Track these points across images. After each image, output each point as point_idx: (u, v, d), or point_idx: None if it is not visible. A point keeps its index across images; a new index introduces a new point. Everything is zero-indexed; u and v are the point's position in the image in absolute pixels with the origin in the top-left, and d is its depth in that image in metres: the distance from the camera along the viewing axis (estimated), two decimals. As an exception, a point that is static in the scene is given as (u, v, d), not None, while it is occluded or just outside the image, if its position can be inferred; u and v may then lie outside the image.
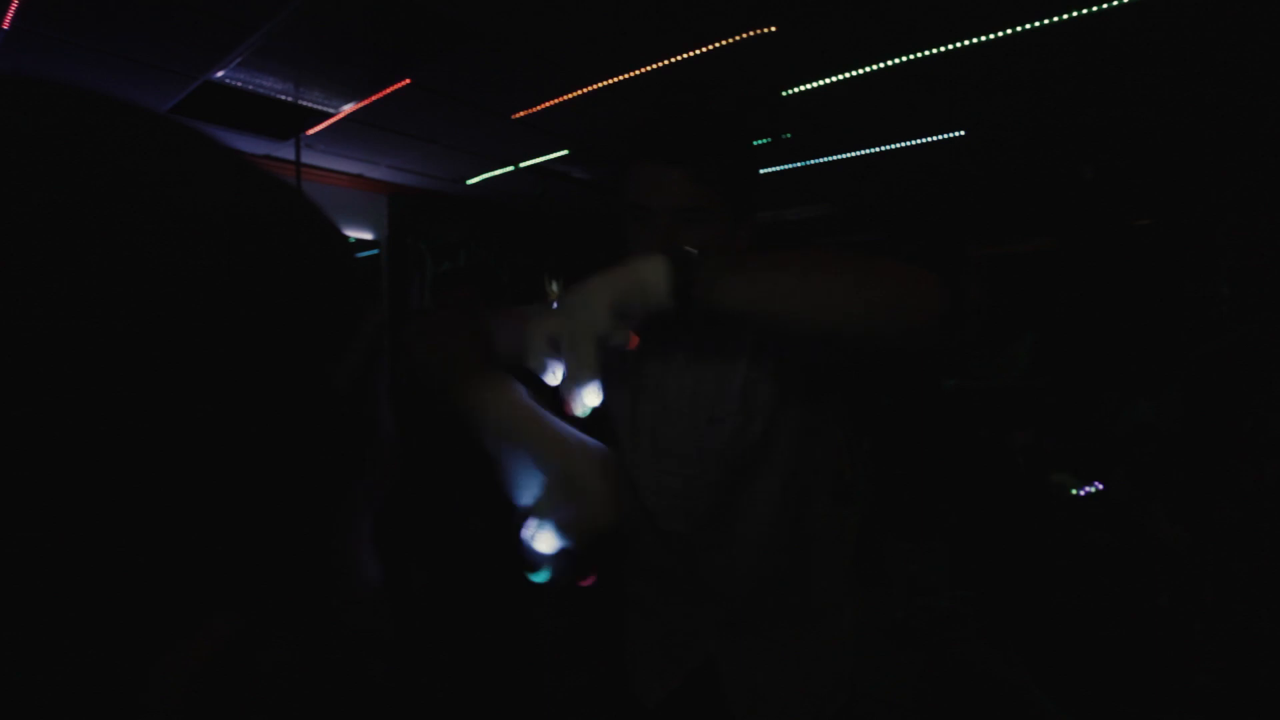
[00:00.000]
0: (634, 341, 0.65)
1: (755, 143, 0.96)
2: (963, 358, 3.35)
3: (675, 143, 0.85)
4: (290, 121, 3.67)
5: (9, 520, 0.15)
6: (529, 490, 0.52)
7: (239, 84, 3.22)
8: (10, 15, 2.50)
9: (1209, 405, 2.16)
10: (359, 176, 5.04)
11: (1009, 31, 2.68)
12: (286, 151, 4.03)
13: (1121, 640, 1.80)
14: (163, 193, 0.19)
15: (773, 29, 2.65)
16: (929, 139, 4.04)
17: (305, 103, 3.48)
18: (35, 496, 0.15)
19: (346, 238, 0.25)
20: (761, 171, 0.97)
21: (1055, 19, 2.58)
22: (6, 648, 0.16)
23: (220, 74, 3.09)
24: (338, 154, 4.44)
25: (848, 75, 3.11)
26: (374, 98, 3.40)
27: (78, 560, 0.16)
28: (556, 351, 0.62)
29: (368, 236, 5.41)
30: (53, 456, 0.15)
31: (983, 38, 2.74)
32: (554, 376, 0.62)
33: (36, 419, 0.15)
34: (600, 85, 3.23)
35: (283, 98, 3.40)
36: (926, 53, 2.88)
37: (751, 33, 2.68)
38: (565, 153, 4.34)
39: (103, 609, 0.17)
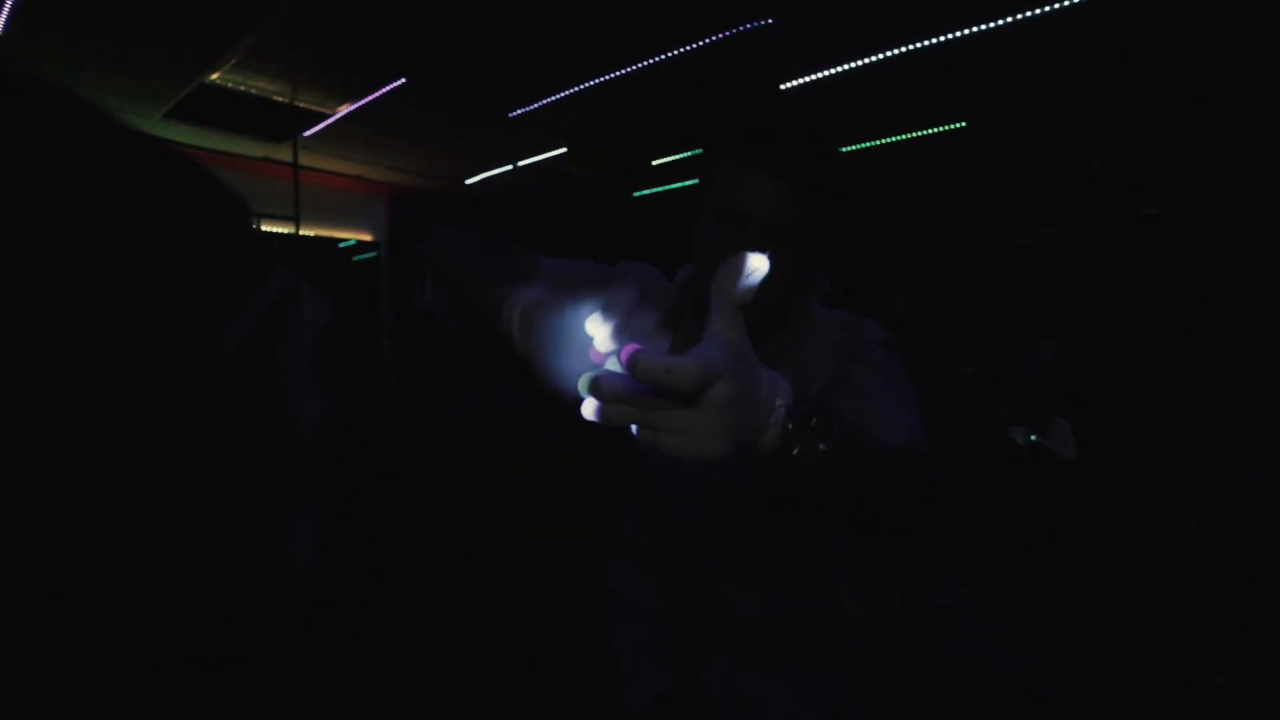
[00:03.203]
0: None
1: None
2: (979, 349, 3.34)
3: (784, 149, 0.77)
4: (287, 123, 3.66)
5: None
6: (573, 340, 0.49)
7: (235, 86, 3.21)
8: (4, 18, 2.49)
9: (1216, 398, 2.13)
10: (357, 178, 5.04)
11: (1012, 19, 2.65)
12: (284, 154, 4.03)
13: (1134, 635, 1.78)
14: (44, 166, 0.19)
15: (769, 21, 2.63)
16: (930, 131, 4.02)
17: (302, 104, 3.47)
18: None
19: (247, 210, 0.25)
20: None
21: (1059, 6, 2.55)
22: None
23: (216, 76, 3.08)
24: (335, 155, 4.44)
25: (846, 67, 3.09)
26: (370, 98, 3.38)
27: None
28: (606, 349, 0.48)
29: (367, 237, 5.40)
30: None
31: (985, 26, 2.71)
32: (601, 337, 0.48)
33: None
34: (597, 81, 3.21)
35: (279, 99, 3.39)
36: (926, 43, 2.85)
37: (748, 25, 2.66)
38: (564, 150, 4.33)
39: None
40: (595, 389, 0.43)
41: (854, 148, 4.30)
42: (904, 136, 4.11)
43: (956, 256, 5.51)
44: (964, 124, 3.88)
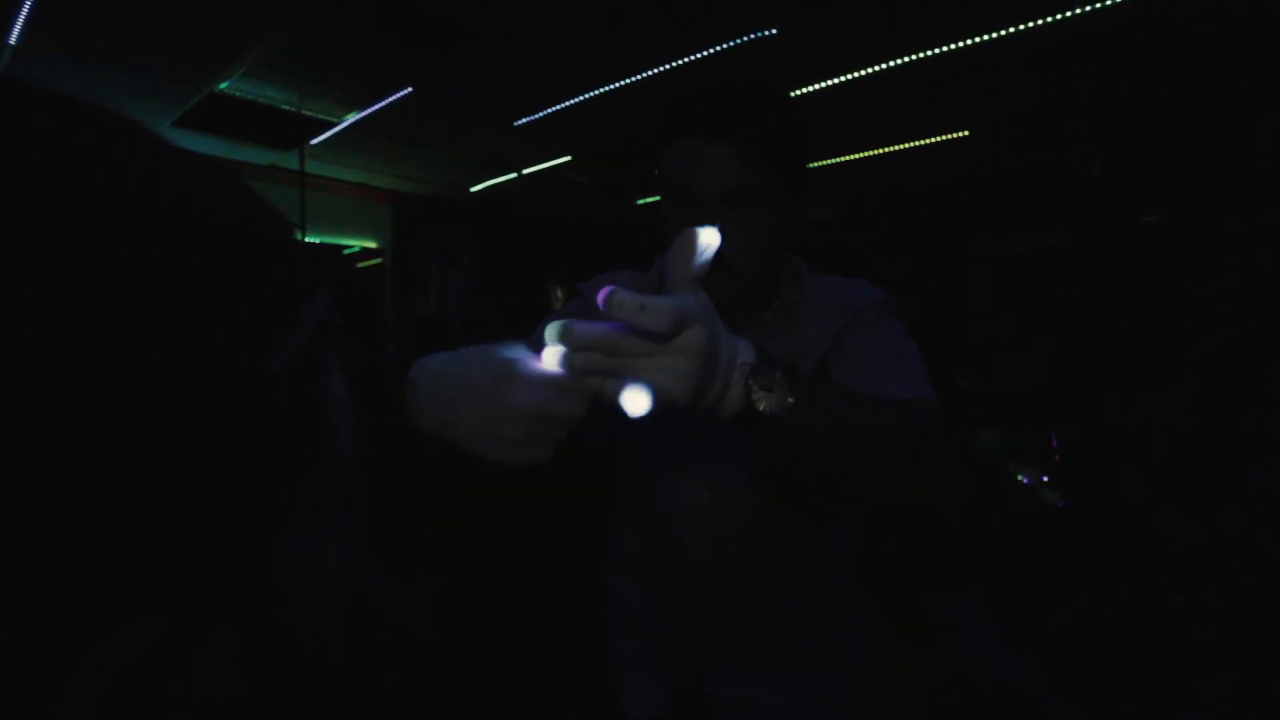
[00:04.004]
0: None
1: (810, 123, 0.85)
2: (976, 355, 3.34)
3: (721, 115, 0.74)
4: (294, 131, 3.69)
5: None
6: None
7: (243, 95, 3.24)
8: (18, 29, 2.52)
9: (1216, 402, 2.14)
10: (363, 185, 5.07)
11: (1012, 30, 2.68)
12: (291, 161, 4.06)
13: (1136, 641, 1.78)
14: (103, 187, 0.19)
15: (773, 31, 2.65)
16: (933, 139, 4.04)
17: (309, 112, 3.50)
18: None
19: (290, 225, 0.25)
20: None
21: (1059, 16, 2.57)
22: None
23: (225, 85, 3.11)
24: (342, 163, 4.47)
25: (849, 76, 3.11)
26: (377, 106, 3.42)
27: None
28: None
29: (372, 245, 5.43)
30: None
31: (986, 36, 2.74)
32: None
33: None
34: (602, 90, 3.24)
35: (286, 108, 3.42)
36: (929, 53, 2.88)
37: (753, 35, 2.69)
38: (568, 158, 4.35)
39: (15, 611, 0.16)
40: (566, 335, 0.44)
41: (855, 156, 4.32)
42: (907, 145, 4.13)
43: (957, 260, 5.52)
44: (967, 132, 3.91)
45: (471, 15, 2.53)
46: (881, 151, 4.24)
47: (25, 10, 2.40)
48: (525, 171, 4.66)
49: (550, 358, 0.46)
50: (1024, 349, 3.71)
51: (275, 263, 0.23)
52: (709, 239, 0.49)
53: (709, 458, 0.91)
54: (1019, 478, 2.12)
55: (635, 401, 0.44)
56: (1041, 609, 1.91)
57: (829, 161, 4.43)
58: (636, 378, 0.45)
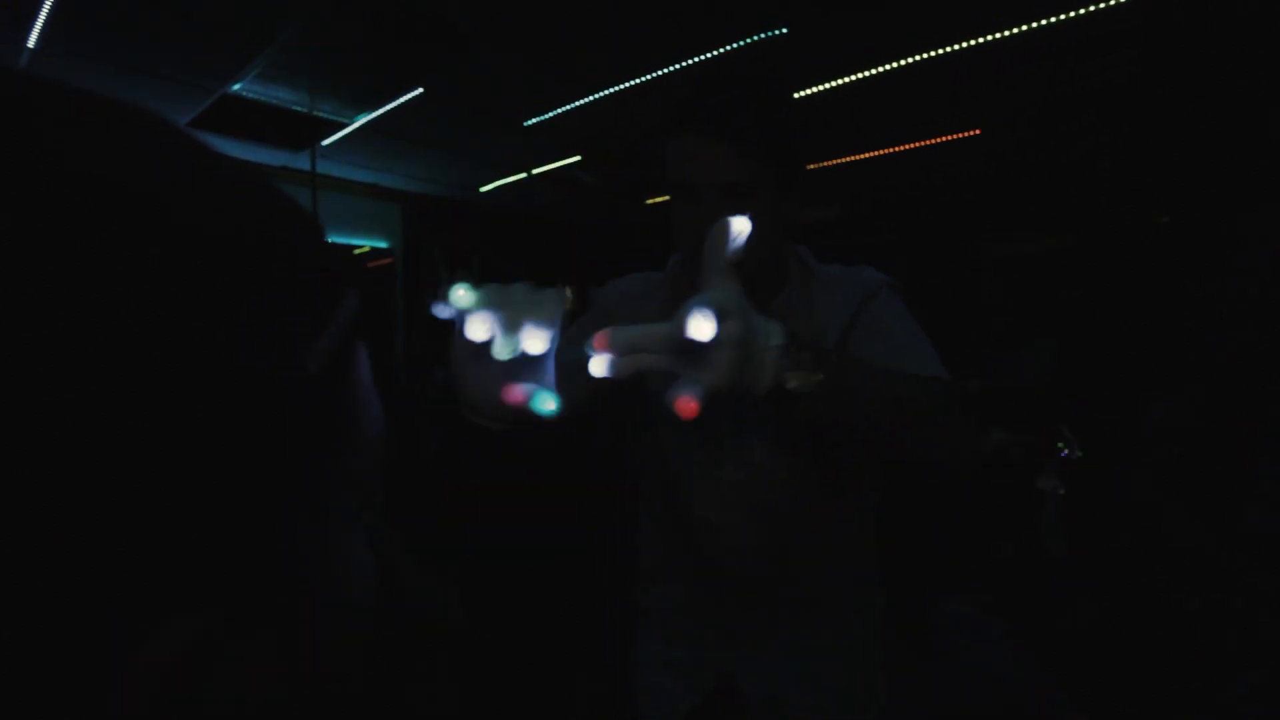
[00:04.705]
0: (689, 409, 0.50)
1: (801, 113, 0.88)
2: (983, 359, 3.33)
3: (715, 113, 0.77)
4: (306, 132, 3.72)
5: None
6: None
7: (256, 96, 3.27)
8: (36, 33, 2.56)
9: (1230, 405, 2.11)
10: (373, 185, 5.10)
11: (1022, 29, 2.66)
12: (302, 162, 4.09)
13: (1147, 645, 1.77)
14: (135, 185, 0.19)
15: (784, 31, 2.65)
16: (942, 139, 4.02)
17: (320, 114, 3.52)
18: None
19: (320, 226, 0.26)
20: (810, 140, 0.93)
21: (1069, 15, 2.55)
22: None
23: (238, 87, 3.14)
24: (352, 163, 4.50)
25: (859, 76, 3.10)
26: (388, 107, 3.43)
27: (36, 561, 0.16)
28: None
29: (382, 245, 5.46)
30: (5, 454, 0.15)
31: (995, 35, 2.72)
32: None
33: None
34: (612, 91, 3.24)
35: (298, 109, 3.45)
36: (939, 52, 2.86)
37: (762, 35, 2.68)
38: (578, 158, 4.36)
39: (67, 608, 0.16)
40: (613, 341, 0.47)
41: (865, 156, 4.30)
42: (917, 145, 4.11)
43: (967, 260, 5.48)
44: (978, 131, 3.88)
45: (483, 16, 2.54)
46: (892, 151, 4.22)
47: (44, 14, 2.44)
48: (535, 172, 4.67)
49: (598, 365, 0.48)
50: (1033, 350, 3.68)
51: (311, 263, 0.23)
52: (741, 225, 0.52)
53: (737, 436, 0.92)
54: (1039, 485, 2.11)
55: (687, 407, 0.47)
56: (1050, 613, 1.89)
57: (839, 161, 4.41)
58: (683, 376, 0.49)
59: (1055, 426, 2.03)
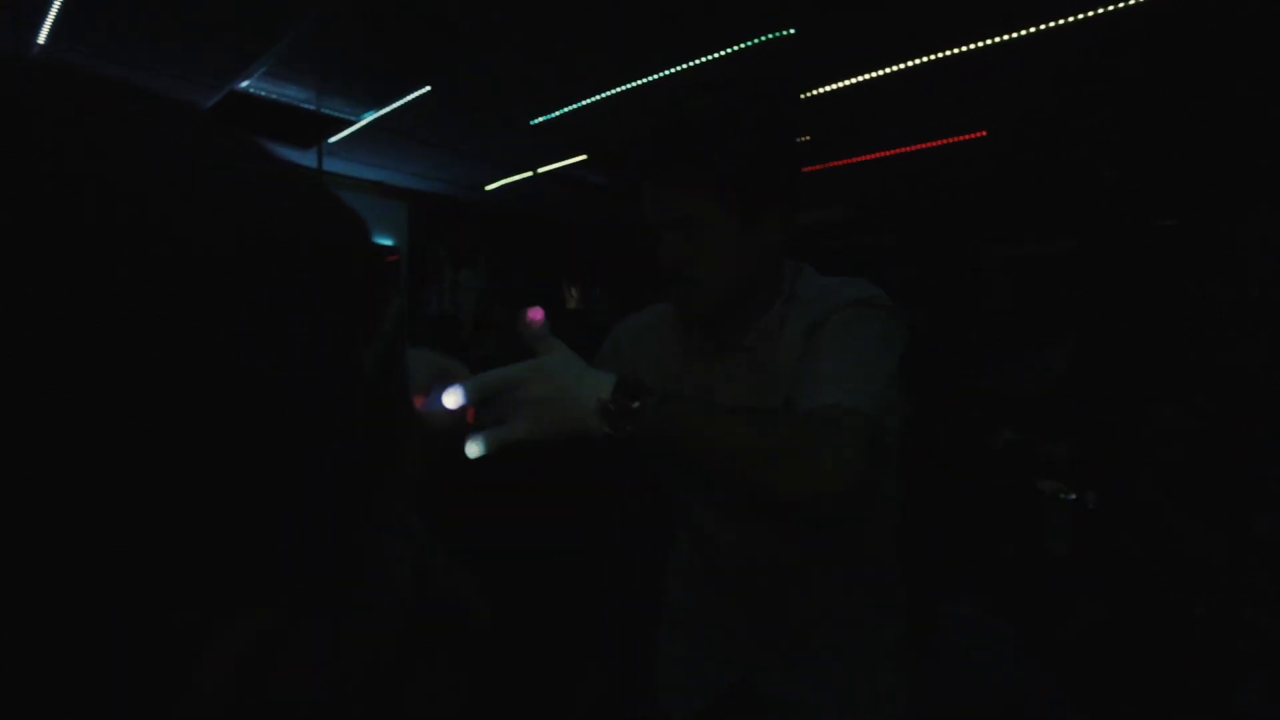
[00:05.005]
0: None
1: (771, 140, 0.90)
2: (993, 361, 3.32)
3: (660, 159, 0.85)
4: (313, 130, 3.73)
5: (40, 517, 0.15)
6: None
7: (263, 94, 3.28)
8: (45, 30, 2.57)
9: (1237, 408, 2.11)
10: (380, 184, 5.11)
11: (1028, 31, 2.65)
12: (309, 159, 4.10)
13: (1153, 650, 1.76)
14: (190, 186, 0.19)
15: (791, 31, 2.65)
16: (948, 140, 4.01)
17: (327, 111, 3.53)
18: (69, 489, 0.15)
19: (367, 225, 0.26)
20: (790, 170, 0.92)
21: (1075, 18, 2.54)
22: (52, 644, 0.15)
23: (245, 84, 3.15)
24: (359, 161, 4.51)
25: (866, 77, 3.10)
26: (394, 105, 3.44)
27: (131, 550, 0.16)
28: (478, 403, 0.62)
29: (388, 243, 5.47)
30: (87, 449, 0.15)
31: (1002, 38, 2.71)
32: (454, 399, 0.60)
33: (63, 411, 0.15)
34: (618, 90, 3.24)
35: (305, 106, 3.46)
36: (945, 53, 2.85)
37: (770, 35, 2.68)
38: (583, 158, 4.36)
39: (152, 594, 0.17)
40: (470, 388, 0.59)
41: (871, 156, 4.30)
42: (923, 146, 4.10)
43: (972, 262, 5.47)
44: (984, 133, 3.87)
45: (489, 15, 2.54)
46: (897, 152, 4.22)
47: (53, 12, 2.45)
48: (540, 170, 4.67)
49: (451, 399, 0.60)
50: (1038, 352, 3.68)
51: (365, 261, 0.24)
52: (534, 315, 0.66)
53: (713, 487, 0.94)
54: (1039, 487, 2.10)
55: (472, 450, 0.61)
56: (1053, 615, 1.89)
57: (845, 162, 4.41)
58: (506, 422, 0.62)
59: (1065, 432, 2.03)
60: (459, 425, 0.62)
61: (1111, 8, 2.47)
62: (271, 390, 0.18)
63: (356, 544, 0.23)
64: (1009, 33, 2.68)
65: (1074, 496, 1.95)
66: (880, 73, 3.05)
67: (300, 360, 0.19)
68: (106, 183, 0.17)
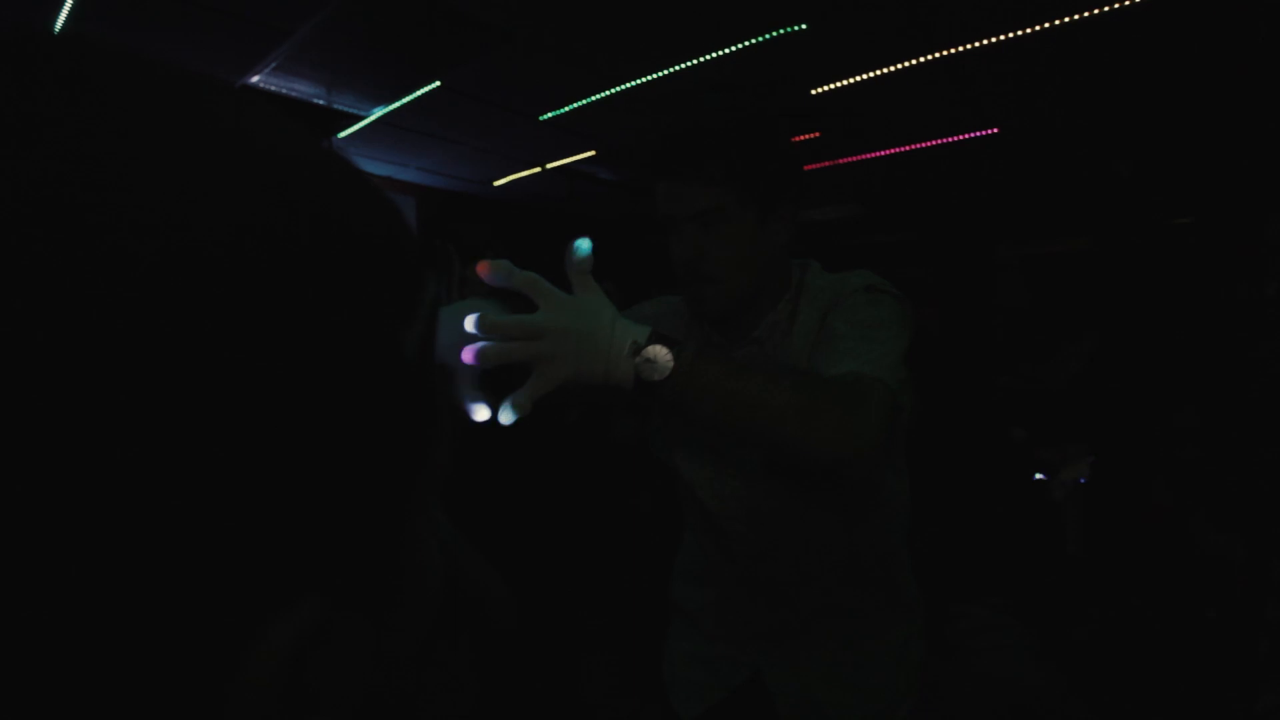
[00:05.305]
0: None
1: (782, 138, 0.95)
2: (1012, 359, 3.30)
3: (680, 155, 0.87)
4: (322, 124, 3.74)
5: (92, 504, 0.14)
6: None
7: (273, 88, 3.29)
8: (59, 25, 2.58)
9: (1255, 410, 2.08)
10: (388, 179, 5.12)
11: (1043, 26, 2.62)
12: (319, 154, 4.11)
13: (1167, 654, 1.74)
14: (218, 156, 0.18)
15: (803, 26, 2.62)
16: (961, 136, 3.97)
17: (338, 106, 3.54)
18: (119, 477, 0.15)
19: (397, 205, 0.25)
20: (797, 168, 0.95)
21: (1090, 13, 2.51)
22: (108, 633, 0.15)
23: (255, 79, 3.16)
24: (368, 156, 4.51)
25: (878, 72, 3.07)
26: (404, 100, 3.44)
27: (183, 542, 0.16)
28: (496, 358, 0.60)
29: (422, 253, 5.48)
30: (133, 439, 0.15)
31: (1016, 33, 2.68)
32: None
33: (110, 402, 0.15)
34: (628, 85, 3.23)
35: (316, 101, 3.46)
36: (958, 49, 2.82)
37: (781, 30, 2.66)
38: (592, 154, 4.35)
39: (201, 584, 0.16)
40: (485, 324, 0.59)
41: (883, 153, 4.26)
42: (935, 142, 4.07)
43: (985, 261, 5.43)
44: (995, 130, 3.83)
45: (500, 11, 2.53)
46: (910, 149, 4.18)
47: (67, 7, 2.46)
48: (549, 166, 4.67)
49: (469, 356, 0.59)
50: (1053, 351, 3.64)
51: (402, 245, 0.23)
52: (582, 242, 0.65)
53: (737, 449, 0.94)
54: (1037, 475, 2.09)
55: (505, 416, 0.60)
56: (1067, 616, 1.87)
57: (858, 158, 4.37)
58: (535, 369, 0.61)
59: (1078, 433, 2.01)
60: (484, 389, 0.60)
61: (1128, 2, 2.43)
62: (311, 373, 0.18)
63: (397, 535, 0.23)
64: (1023, 28, 2.65)
65: (1083, 480, 1.93)
66: (892, 68, 3.02)
67: (340, 343, 0.19)
68: (133, 159, 0.16)
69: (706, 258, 0.87)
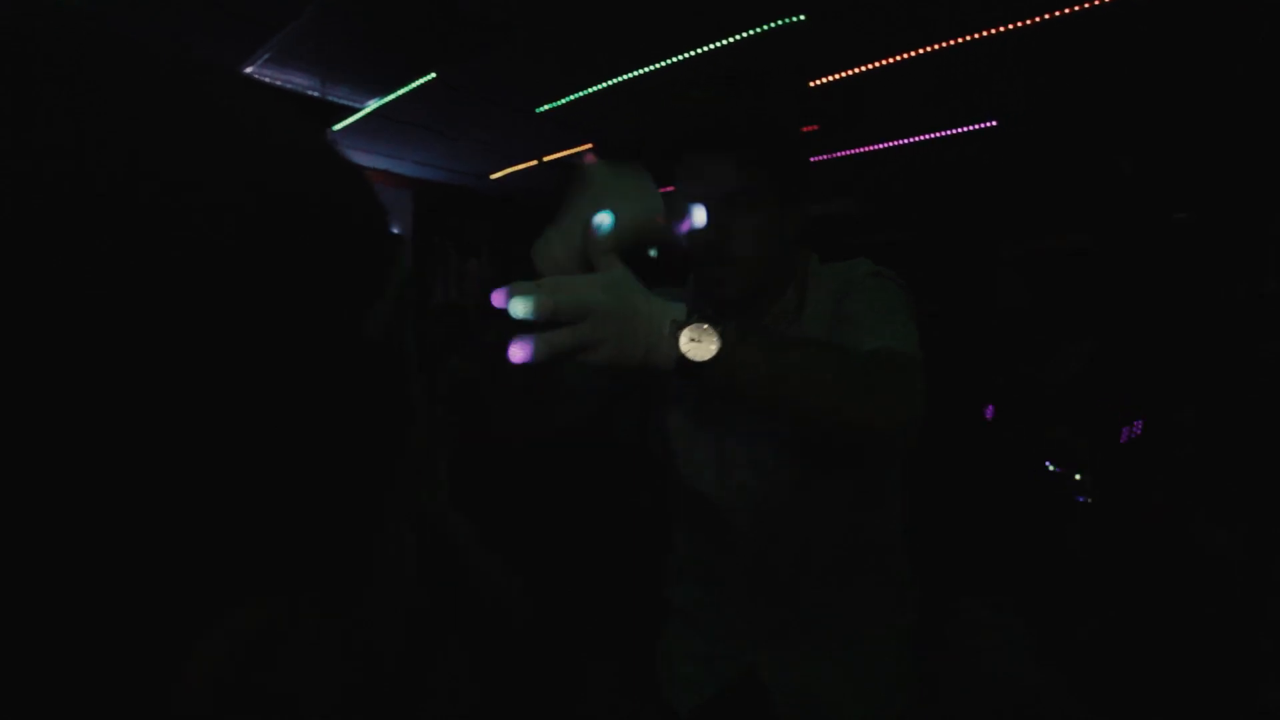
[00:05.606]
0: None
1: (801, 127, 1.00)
2: (1011, 359, 3.30)
3: (716, 129, 0.85)
4: (317, 117, 3.71)
5: (10, 514, 0.14)
6: None
7: (267, 80, 3.25)
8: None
9: (1257, 408, 2.07)
10: (385, 172, 5.08)
11: (1042, 18, 2.59)
12: (314, 147, 4.08)
13: (1167, 651, 1.74)
14: (176, 129, 0.17)
15: (801, 17, 2.60)
16: (960, 130, 3.95)
17: (332, 99, 3.50)
18: (38, 486, 0.14)
19: (367, 179, 0.23)
20: (809, 160, 0.96)
21: (1090, 5, 2.48)
22: (28, 648, 0.14)
23: (249, 70, 3.12)
24: (364, 150, 4.48)
25: (877, 64, 3.04)
26: (399, 92, 3.41)
27: (99, 549, 0.15)
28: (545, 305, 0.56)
29: (393, 232, 5.46)
30: (56, 443, 0.14)
31: (1015, 24, 2.65)
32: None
33: (34, 405, 0.14)
34: (625, 78, 3.20)
35: (310, 93, 3.43)
36: (958, 40, 2.80)
37: (780, 22, 2.63)
38: (589, 147, 4.32)
39: (134, 594, 0.15)
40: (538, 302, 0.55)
41: (881, 146, 4.24)
42: (934, 135, 4.05)
43: (985, 258, 5.41)
44: (994, 123, 3.81)
45: (495, 4, 2.50)
46: (908, 142, 4.16)
47: (54, -6, 2.43)
48: (546, 159, 4.64)
49: (517, 352, 0.56)
50: (1054, 350, 3.64)
51: (363, 221, 0.22)
52: (602, 218, 0.60)
53: (747, 442, 0.94)
54: (1048, 466, 2.08)
55: (516, 353, 0.56)
56: (1069, 616, 1.87)
57: (856, 151, 4.35)
58: (571, 339, 0.57)
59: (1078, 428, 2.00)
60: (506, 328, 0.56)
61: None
62: (265, 356, 0.17)
63: (365, 533, 0.21)
64: (1023, 19, 2.62)
65: (1078, 476, 1.93)
66: (891, 60, 2.99)
67: (296, 323, 0.18)
68: (102, 130, 0.16)
69: (729, 239, 0.85)
